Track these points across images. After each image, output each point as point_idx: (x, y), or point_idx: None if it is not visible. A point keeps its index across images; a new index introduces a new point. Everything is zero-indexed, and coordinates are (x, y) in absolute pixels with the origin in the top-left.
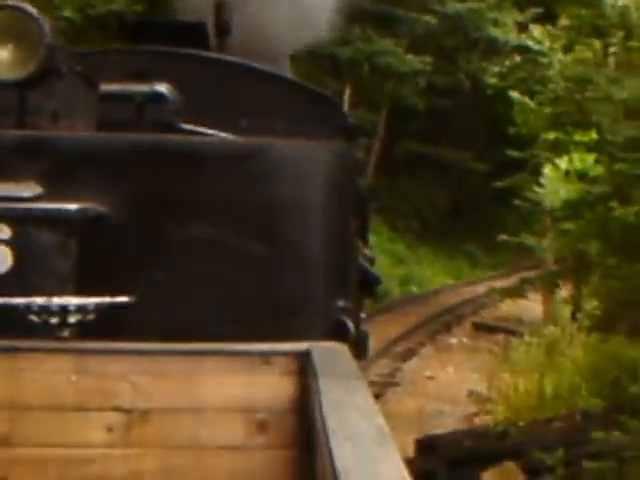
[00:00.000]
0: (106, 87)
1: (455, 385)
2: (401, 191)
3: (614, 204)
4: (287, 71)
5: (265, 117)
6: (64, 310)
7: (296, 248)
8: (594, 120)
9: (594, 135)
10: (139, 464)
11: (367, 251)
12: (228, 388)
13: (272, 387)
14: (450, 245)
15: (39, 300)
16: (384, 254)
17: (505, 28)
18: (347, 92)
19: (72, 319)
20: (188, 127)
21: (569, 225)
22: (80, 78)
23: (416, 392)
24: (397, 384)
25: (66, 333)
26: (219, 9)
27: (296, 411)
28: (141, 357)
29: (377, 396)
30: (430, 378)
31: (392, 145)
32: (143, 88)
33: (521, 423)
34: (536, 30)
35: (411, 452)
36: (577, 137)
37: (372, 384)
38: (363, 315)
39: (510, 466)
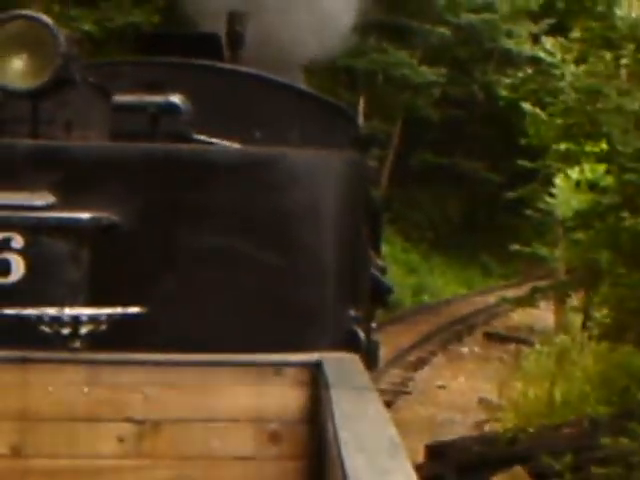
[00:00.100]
0: (120, 98)
1: (466, 394)
2: (415, 201)
3: (624, 214)
4: (300, 82)
5: (278, 128)
6: (76, 321)
7: (308, 257)
8: (605, 131)
9: (605, 146)
10: (151, 475)
11: (379, 261)
12: (240, 399)
13: (284, 398)
14: (463, 255)
15: (51, 311)
16: (397, 264)
17: (519, 39)
18: (362, 103)
19: (84, 330)
20: (202, 138)
21: (580, 235)
22: (94, 88)
23: (427, 401)
24: (409, 393)
25: (78, 344)
26: (232, 20)
27: (308, 422)
28: (153, 368)
29: (389, 404)
30: (441, 387)
31: (406, 155)
32: (157, 99)
33: (530, 429)
34: (548, 42)
35: (421, 458)
36: (588, 148)
37: (384, 393)
38: (374, 325)
39: (519, 471)
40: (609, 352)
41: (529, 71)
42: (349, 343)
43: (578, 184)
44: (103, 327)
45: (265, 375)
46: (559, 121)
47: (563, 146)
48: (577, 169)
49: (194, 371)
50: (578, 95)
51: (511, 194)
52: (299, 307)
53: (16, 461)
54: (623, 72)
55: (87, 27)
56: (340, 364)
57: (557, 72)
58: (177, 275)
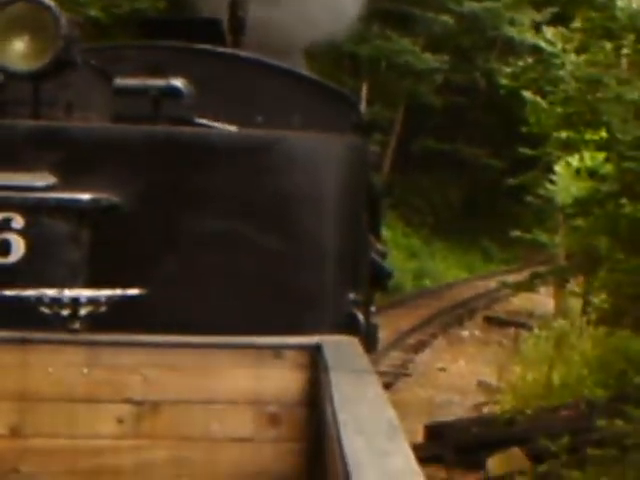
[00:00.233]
0: (122, 81)
1: (466, 377)
2: (416, 187)
3: (623, 201)
4: (301, 67)
5: (280, 113)
6: (75, 302)
7: (309, 240)
8: (604, 120)
9: (604, 134)
10: (149, 456)
11: (380, 245)
12: (239, 381)
13: (283, 380)
14: (464, 240)
15: (50, 292)
16: (398, 248)
17: (521, 28)
18: (365, 89)
19: (83, 311)
20: (204, 122)
21: (579, 221)
22: (95, 71)
23: (427, 383)
24: (409, 375)
25: (77, 325)
26: (234, 5)
27: (307, 404)
28: (152, 349)
29: (388, 386)
30: (441, 370)
31: (408, 141)
32: (159, 82)
33: (528, 411)
34: (549, 31)
35: (420, 438)
36: (588, 136)
37: (384, 375)
38: (373, 308)
39: (516, 452)
40: (607, 336)
41: (529, 60)
42: (349, 326)
43: (578, 171)
44: (103, 308)
45: (264, 358)
46: (559, 110)
47: (564, 134)
48: (577, 157)
49: (193, 353)
50: (578, 84)
51: (512, 181)
52: (299, 290)
53: (15, 441)
54: (624, 62)
55: (94, 12)
56: (339, 347)
57: (558, 61)
58: (177, 257)
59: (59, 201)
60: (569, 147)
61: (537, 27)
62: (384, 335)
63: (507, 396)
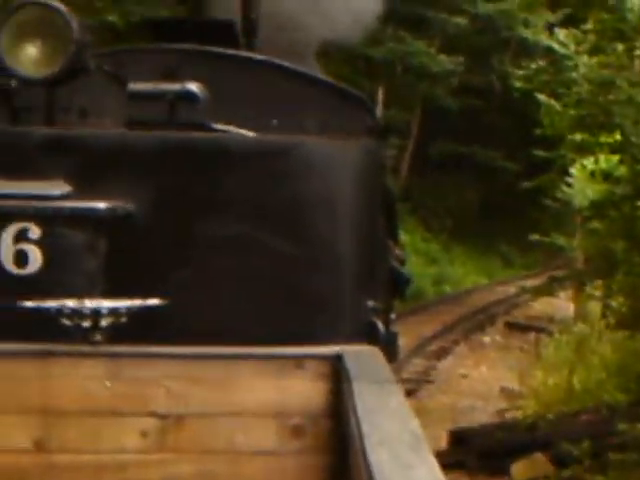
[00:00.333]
0: (136, 85)
1: (488, 382)
2: (434, 190)
3: (639, 203)
4: (314, 68)
5: (295, 116)
6: (96, 313)
7: (325, 247)
8: (617, 122)
9: (619, 136)
10: (174, 469)
11: (398, 251)
12: (261, 392)
13: (305, 391)
14: (483, 244)
15: (71, 303)
16: (418, 254)
17: (535, 29)
18: (381, 92)
19: (104, 322)
20: (219, 126)
21: (596, 224)
22: (109, 76)
23: (450, 390)
24: (431, 382)
25: (98, 337)
26: (245, 7)
27: (330, 415)
28: (175, 361)
29: (411, 393)
30: (463, 376)
31: (426, 145)
32: (174, 87)
33: (550, 416)
34: (561, 33)
35: (444, 444)
36: (602, 138)
37: (406, 382)
38: (393, 316)
39: (539, 457)
40: (626, 340)
41: (542, 63)
42: (368, 335)
43: (593, 174)
44: (123, 319)
45: (286, 368)
46: (573, 112)
47: (578, 136)
48: (592, 159)
49: (216, 364)
50: (591, 86)
51: (527, 184)
52: (317, 298)
53: (39, 455)
54: (636, 63)
55: (111, 18)
56: (361, 357)
57: (570, 63)
58: (194, 264)
59: (75, 210)
60: (583, 149)
61: (551, 28)
62: (406, 342)
63: (529, 401)
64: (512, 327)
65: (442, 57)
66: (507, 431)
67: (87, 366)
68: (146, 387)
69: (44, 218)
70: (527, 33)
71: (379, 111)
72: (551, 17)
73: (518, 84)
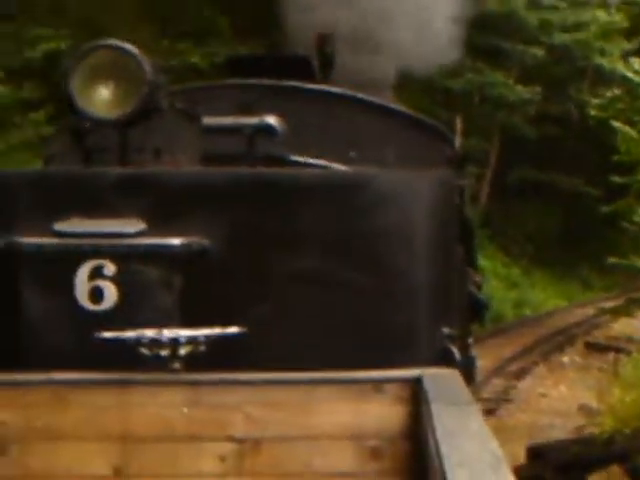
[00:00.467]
0: (215, 120)
1: (567, 401)
2: (514, 217)
3: None
4: (390, 100)
5: (373, 148)
6: (175, 342)
7: (400, 278)
8: None
9: None
10: None
11: (476, 277)
12: (340, 416)
13: (384, 414)
14: (563, 269)
15: (149, 332)
16: (498, 278)
17: (611, 58)
18: (459, 122)
19: (182, 351)
20: (298, 159)
21: None
22: (182, 114)
23: (529, 408)
24: (511, 401)
25: (177, 365)
26: (322, 41)
27: (408, 438)
28: (253, 387)
29: (491, 411)
30: (543, 395)
31: (504, 173)
32: (253, 120)
33: (626, 431)
34: (636, 63)
35: (522, 460)
36: None
37: (486, 401)
38: (471, 340)
39: (615, 470)
40: None
41: (616, 91)
42: (443, 361)
43: None
44: (202, 348)
45: (365, 392)
46: None
47: None
48: None
49: (294, 389)
50: None
51: (606, 208)
52: (393, 328)
53: None
54: None
55: (193, 60)
56: (440, 379)
57: None
58: (269, 297)
59: (150, 247)
60: None
61: (626, 57)
62: (486, 363)
63: (607, 418)
64: (591, 347)
65: (519, 87)
66: (584, 446)
67: (165, 394)
68: (224, 413)
69: (119, 255)
70: (603, 62)
71: (458, 141)
72: (627, 45)
73: (594, 112)
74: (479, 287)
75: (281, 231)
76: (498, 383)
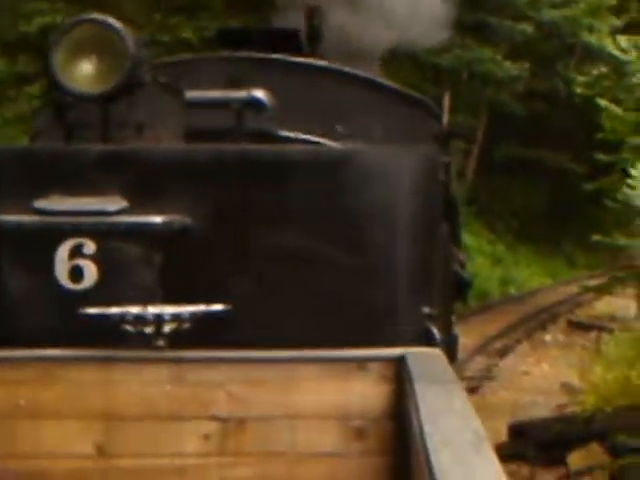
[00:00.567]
0: (203, 94)
1: (549, 379)
2: (500, 193)
3: None
4: (376, 74)
5: (361, 122)
6: (159, 319)
7: (381, 255)
8: None
9: None
10: (235, 473)
11: (460, 255)
12: (324, 395)
13: (368, 393)
14: (548, 246)
15: (134, 309)
16: (484, 255)
17: (600, 34)
18: (447, 98)
19: (167, 328)
20: (286, 134)
21: None
22: (165, 88)
23: (511, 386)
24: (493, 379)
25: (161, 342)
26: (310, 14)
27: (392, 417)
28: (237, 365)
29: (474, 389)
30: (525, 373)
31: (491, 149)
32: (241, 94)
33: (607, 409)
34: (623, 40)
35: (504, 438)
36: None
37: (469, 379)
38: (453, 318)
39: (595, 448)
40: None
41: (602, 69)
42: (423, 341)
43: None
44: (186, 325)
45: (349, 370)
46: (633, 116)
47: (638, 140)
48: None
49: (278, 368)
50: None
51: (590, 186)
52: (372, 305)
53: (100, 460)
54: None
55: (185, 34)
56: (423, 358)
57: (632, 69)
58: (251, 274)
59: (131, 225)
60: None
61: (614, 34)
62: (471, 341)
63: (589, 397)
64: (574, 326)
65: (507, 63)
66: (565, 424)
67: (149, 371)
68: (208, 391)
69: (100, 234)
70: (591, 39)
71: (445, 117)
72: (616, 22)
73: (579, 90)
74: (463, 265)
75: (264, 208)
76: (481, 361)
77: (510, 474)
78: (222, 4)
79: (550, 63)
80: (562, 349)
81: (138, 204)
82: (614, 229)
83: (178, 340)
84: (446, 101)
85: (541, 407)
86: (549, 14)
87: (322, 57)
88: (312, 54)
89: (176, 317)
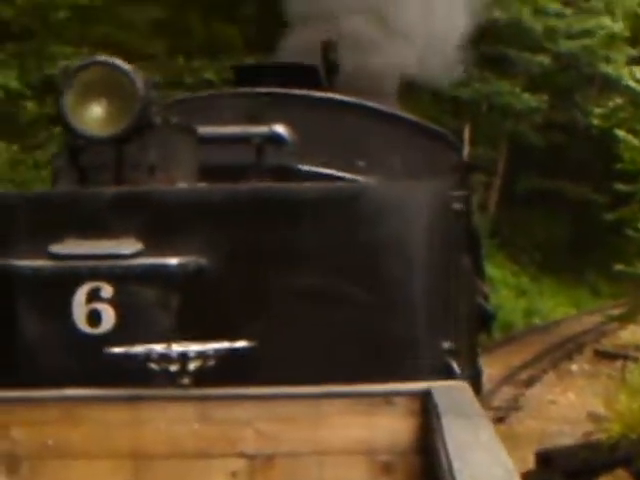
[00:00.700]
0: (223, 130)
1: (576, 408)
2: (522, 225)
3: None
4: (394, 107)
5: (381, 156)
6: (184, 357)
7: (398, 291)
8: None
9: None
10: None
11: (483, 287)
12: (351, 430)
13: (394, 427)
14: (571, 276)
15: (158, 347)
16: (508, 287)
17: (616, 65)
18: (467, 131)
19: (192, 366)
20: (307, 169)
21: None
22: (176, 128)
23: (538, 416)
24: (520, 408)
25: (186, 380)
26: (327, 48)
27: (419, 452)
28: (263, 402)
29: (501, 419)
30: (552, 403)
31: (512, 181)
32: (261, 129)
33: (632, 436)
34: (638, 71)
35: (531, 466)
36: None
37: (496, 409)
38: (478, 351)
39: (621, 473)
40: None
41: (618, 101)
42: (443, 376)
43: None
44: (211, 362)
45: (375, 405)
46: None
47: None
48: None
49: (304, 404)
50: None
51: (610, 216)
52: (391, 342)
53: None
54: None
55: (208, 76)
56: (449, 392)
57: None
58: (266, 315)
59: (147, 268)
60: None
61: (632, 64)
62: (496, 372)
63: (615, 425)
64: (600, 355)
65: (526, 95)
66: (591, 451)
67: (175, 409)
68: (234, 428)
69: (116, 277)
70: (609, 69)
71: (466, 149)
72: (632, 51)
73: (596, 121)
74: (486, 297)
75: (279, 246)
76: (508, 391)
77: None
78: (242, 44)
79: (568, 94)
80: (588, 378)
81: (153, 246)
82: (636, 258)
83: (203, 378)
84: (466, 133)
85: (568, 436)
86: (566, 45)
87: (340, 91)
88: (330, 88)
89: (201, 354)
